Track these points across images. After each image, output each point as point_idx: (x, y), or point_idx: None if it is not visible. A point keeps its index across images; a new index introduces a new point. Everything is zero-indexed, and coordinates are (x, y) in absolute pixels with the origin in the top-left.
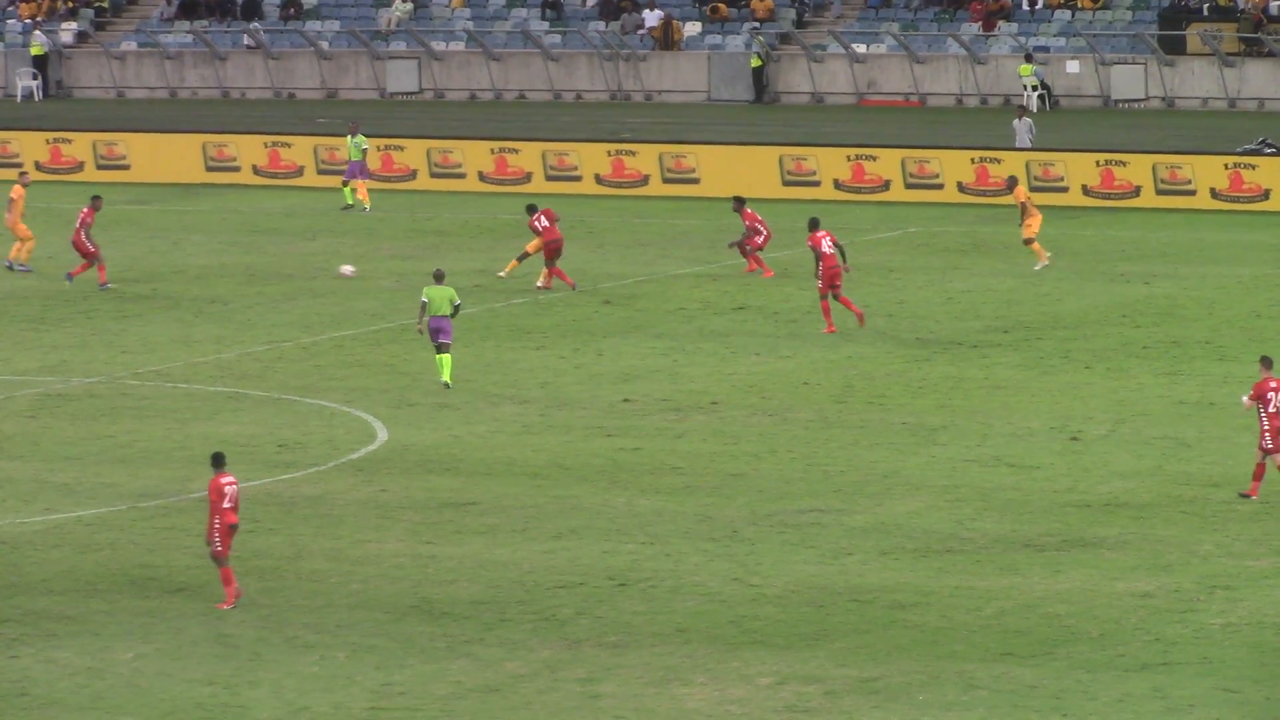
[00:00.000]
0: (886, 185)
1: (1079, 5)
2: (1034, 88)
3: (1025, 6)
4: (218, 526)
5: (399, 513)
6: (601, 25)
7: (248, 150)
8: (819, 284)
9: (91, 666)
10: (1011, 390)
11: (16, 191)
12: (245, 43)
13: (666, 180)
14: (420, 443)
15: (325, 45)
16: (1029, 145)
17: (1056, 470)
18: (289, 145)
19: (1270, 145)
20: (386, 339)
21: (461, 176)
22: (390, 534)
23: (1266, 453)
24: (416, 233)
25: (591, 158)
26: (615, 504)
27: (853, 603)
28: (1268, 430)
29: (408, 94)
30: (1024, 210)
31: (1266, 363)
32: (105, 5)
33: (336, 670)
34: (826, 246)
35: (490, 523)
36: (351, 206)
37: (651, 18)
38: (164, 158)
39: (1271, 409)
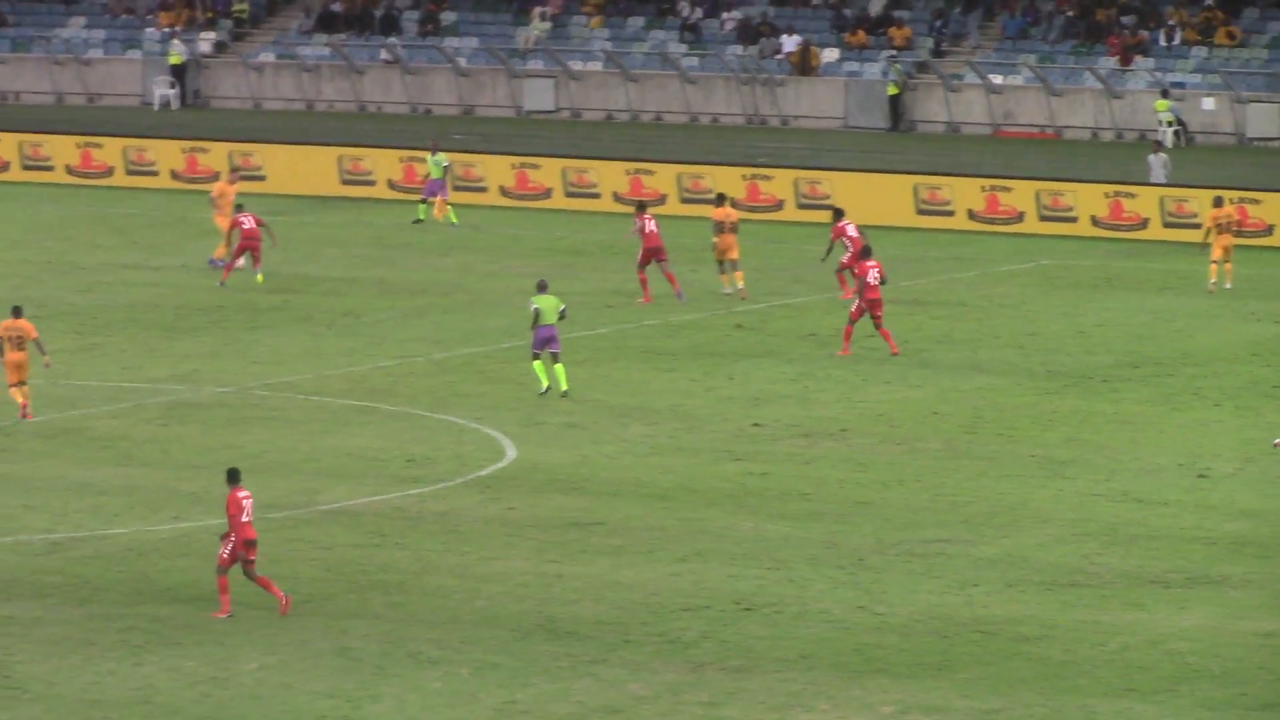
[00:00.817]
0: (1020, 217)
1: (1215, 42)
2: (1169, 123)
3: (1162, 42)
4: (234, 540)
5: (526, 531)
6: (739, 49)
7: (383, 164)
8: (853, 307)
9: (215, 676)
10: (1140, 426)
11: (219, 189)
12: (383, 57)
13: (801, 206)
14: (548, 461)
15: (463, 62)
16: (1164, 181)
17: (1183, 507)
18: (424, 161)
19: None
20: (517, 356)
21: (596, 196)
22: (517, 552)
23: None
24: (550, 251)
25: (726, 182)
26: (742, 528)
27: (977, 634)
28: None
29: (544, 113)
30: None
31: None
32: (244, 16)
33: (459, 687)
34: (872, 278)
35: (616, 543)
36: (422, 220)
37: (789, 43)
38: (299, 170)
39: None
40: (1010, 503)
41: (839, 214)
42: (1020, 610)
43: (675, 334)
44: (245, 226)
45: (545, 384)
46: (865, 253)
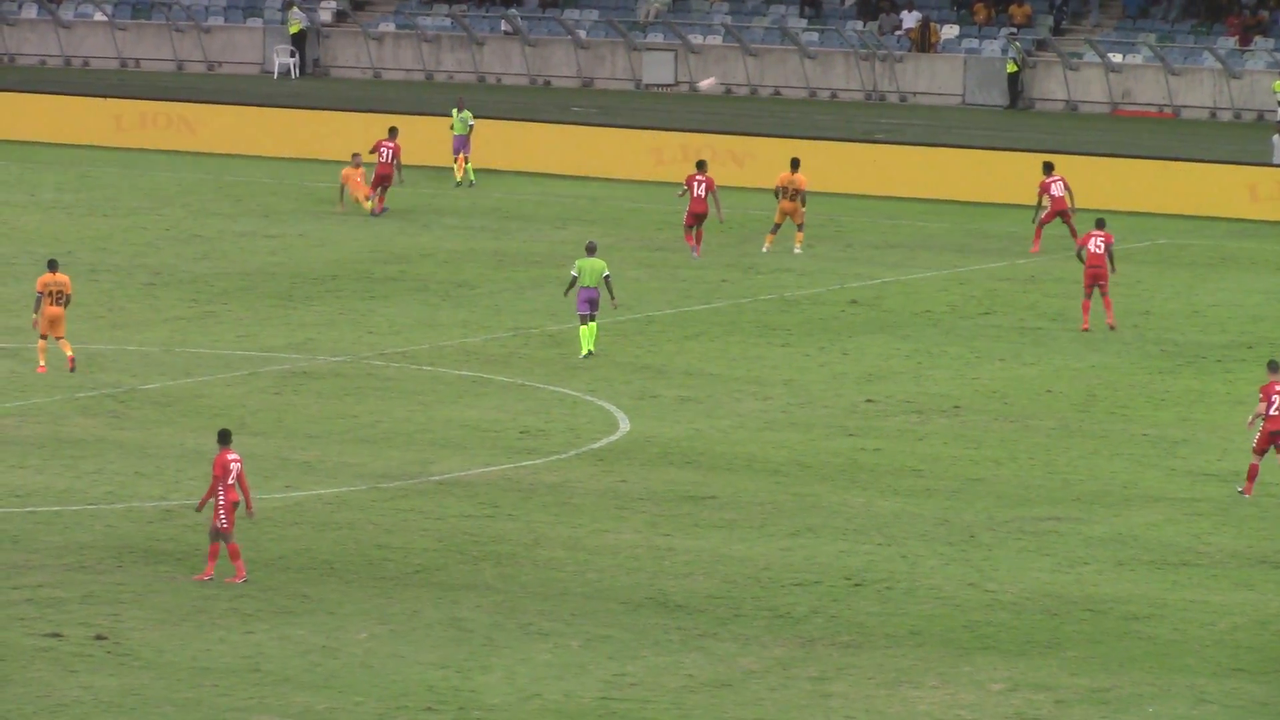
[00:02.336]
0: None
1: None
2: None
3: None
4: (222, 503)
5: (637, 504)
6: (859, 25)
7: (502, 135)
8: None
9: (325, 645)
10: (1254, 406)
11: (346, 174)
12: (503, 29)
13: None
14: (662, 435)
15: (583, 34)
16: None
17: None
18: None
19: None
20: (633, 330)
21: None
22: (628, 525)
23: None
24: (667, 224)
25: (847, 156)
26: (854, 504)
27: (1087, 612)
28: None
29: (663, 86)
30: None
31: (1273, 367)
32: None
33: (570, 659)
34: (1094, 246)
35: (728, 517)
36: (461, 184)
37: (909, 19)
38: (419, 141)
39: (1274, 410)
40: (1122, 481)
41: (1048, 168)
42: (1130, 589)
43: (790, 309)
44: (381, 159)
45: (590, 348)
46: (1098, 224)
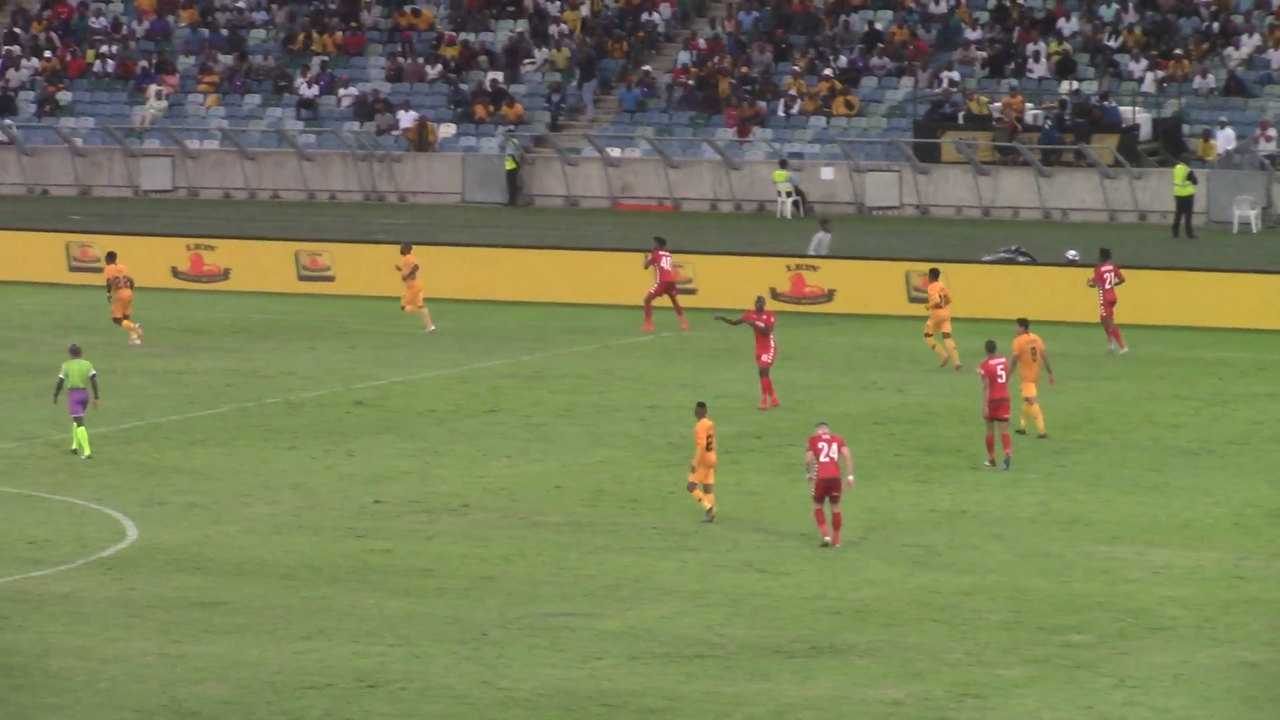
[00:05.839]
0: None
1: (834, 112)
2: (788, 194)
3: (781, 113)
4: None
5: (148, 611)
6: (356, 125)
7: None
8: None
9: None
10: (763, 496)
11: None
12: None
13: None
14: (171, 541)
15: (79, 142)
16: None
17: (807, 576)
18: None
19: (1024, 254)
20: (138, 436)
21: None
22: (139, 633)
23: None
24: (169, 330)
25: (344, 258)
26: (365, 605)
27: (602, 707)
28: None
29: (161, 191)
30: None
31: (990, 346)
32: None
33: None
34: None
35: (240, 622)
36: None
37: (406, 118)
38: None
39: (1000, 381)
40: (633, 575)
41: (660, 242)
42: (644, 683)
43: (295, 412)
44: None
45: (89, 450)
46: (1104, 255)
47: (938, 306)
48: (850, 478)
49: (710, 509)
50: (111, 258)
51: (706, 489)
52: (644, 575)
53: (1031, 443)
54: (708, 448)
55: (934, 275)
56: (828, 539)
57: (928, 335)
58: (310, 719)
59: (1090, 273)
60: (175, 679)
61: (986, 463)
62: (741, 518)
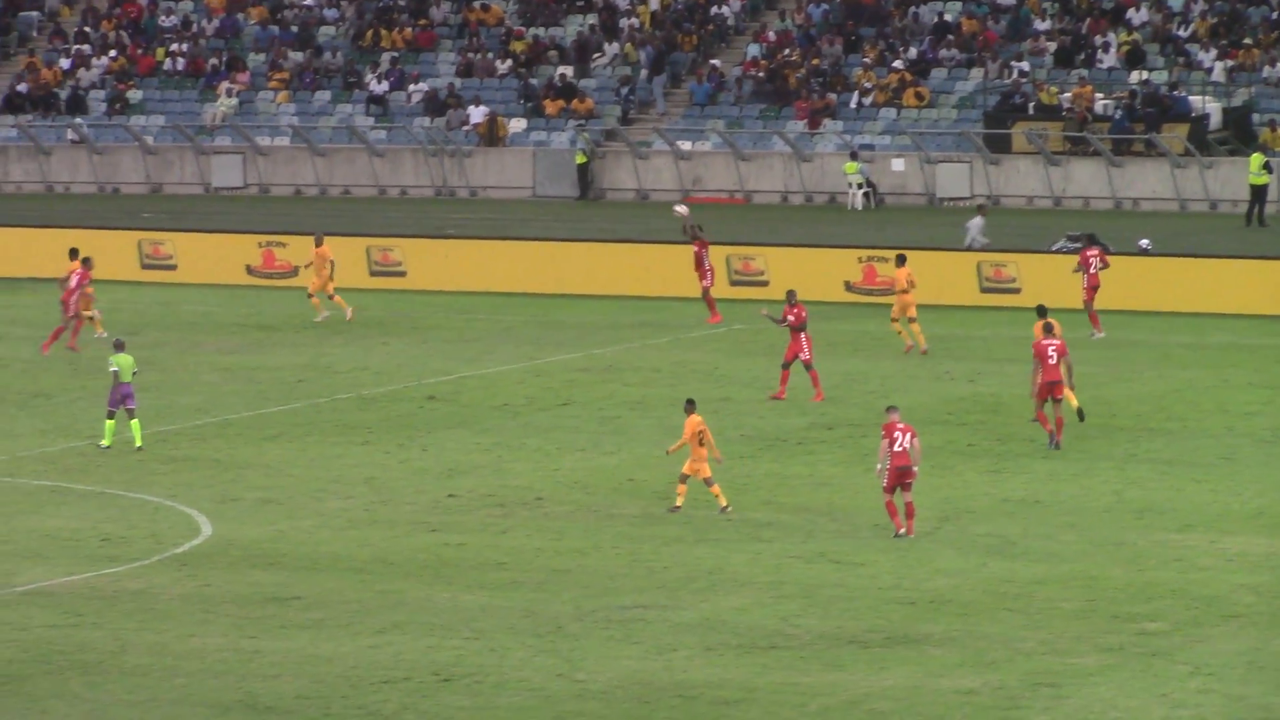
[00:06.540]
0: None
1: (904, 104)
2: (859, 185)
3: (851, 105)
4: None
5: (222, 607)
6: (426, 121)
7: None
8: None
9: None
10: (836, 487)
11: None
12: (69, 137)
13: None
14: (244, 537)
15: (150, 140)
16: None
17: (881, 567)
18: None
19: (1074, 240)
20: (212, 433)
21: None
22: (214, 628)
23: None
24: (241, 327)
25: (415, 253)
26: (439, 599)
27: (677, 699)
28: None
29: (232, 189)
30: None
31: (1048, 328)
32: None
33: None
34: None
35: (315, 617)
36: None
37: (477, 114)
38: None
39: (1050, 362)
40: (707, 567)
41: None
42: (720, 674)
43: (368, 407)
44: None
45: (109, 441)
46: (1090, 240)
47: (904, 291)
48: (915, 468)
49: (724, 504)
50: (74, 254)
51: (707, 481)
52: (718, 567)
53: (1106, 432)
54: (700, 444)
55: (901, 261)
56: (901, 531)
57: (894, 320)
58: (386, 713)
59: (1082, 263)
60: (250, 674)
61: (1051, 445)
62: (815, 508)
